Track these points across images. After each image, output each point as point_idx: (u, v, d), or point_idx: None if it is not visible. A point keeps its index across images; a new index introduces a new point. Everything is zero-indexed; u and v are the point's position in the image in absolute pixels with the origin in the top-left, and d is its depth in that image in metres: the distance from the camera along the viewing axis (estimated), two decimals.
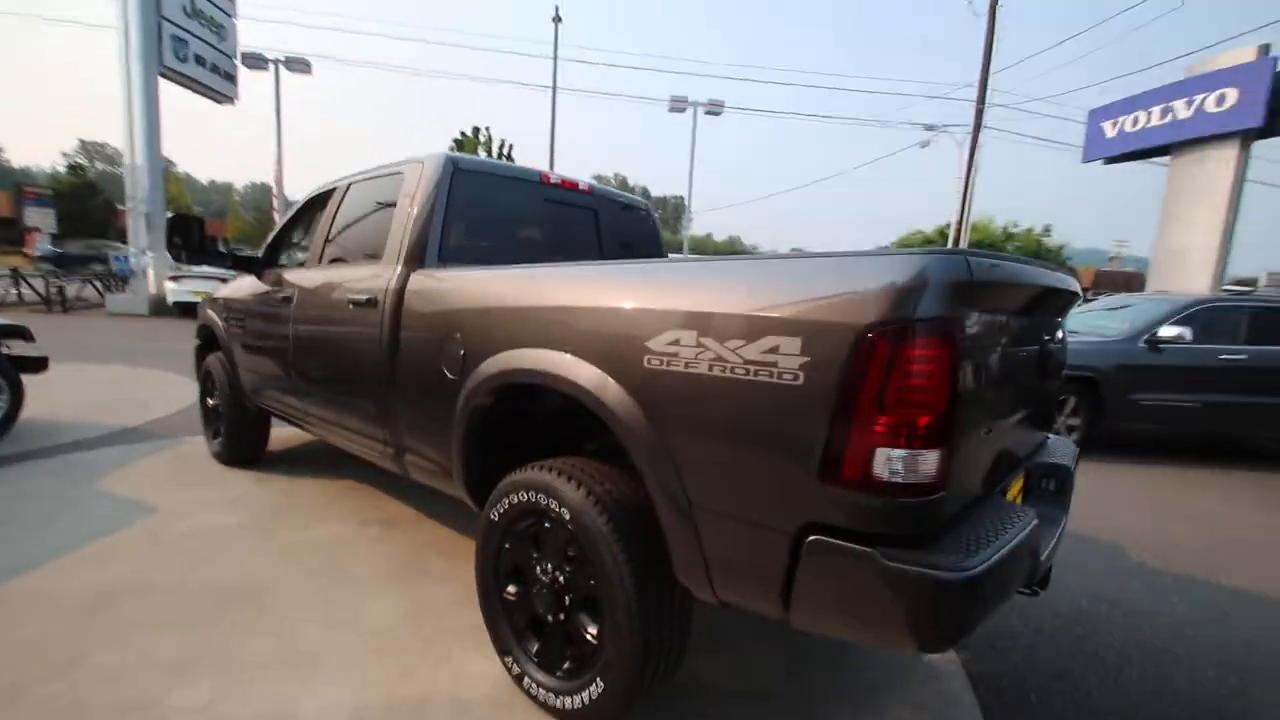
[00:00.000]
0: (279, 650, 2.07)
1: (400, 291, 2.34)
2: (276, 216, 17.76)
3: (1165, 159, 15.22)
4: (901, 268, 1.18)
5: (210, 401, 4.05)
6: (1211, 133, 13.61)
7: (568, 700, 1.73)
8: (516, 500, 1.84)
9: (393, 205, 2.60)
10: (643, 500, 1.68)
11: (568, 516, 1.68)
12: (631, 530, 1.60)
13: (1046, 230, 34.99)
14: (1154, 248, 15.40)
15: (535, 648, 1.88)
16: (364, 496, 3.55)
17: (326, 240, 3.00)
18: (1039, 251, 33.59)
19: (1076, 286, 1.83)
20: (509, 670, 1.92)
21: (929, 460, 1.17)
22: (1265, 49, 12.67)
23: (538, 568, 1.84)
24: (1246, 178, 13.47)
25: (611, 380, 1.55)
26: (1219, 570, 3.27)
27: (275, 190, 17.28)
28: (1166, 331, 5.36)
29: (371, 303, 2.43)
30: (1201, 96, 13.82)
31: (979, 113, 19.04)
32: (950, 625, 1.18)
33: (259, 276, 3.49)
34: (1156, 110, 14.98)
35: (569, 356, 1.66)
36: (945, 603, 1.17)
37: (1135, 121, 15.77)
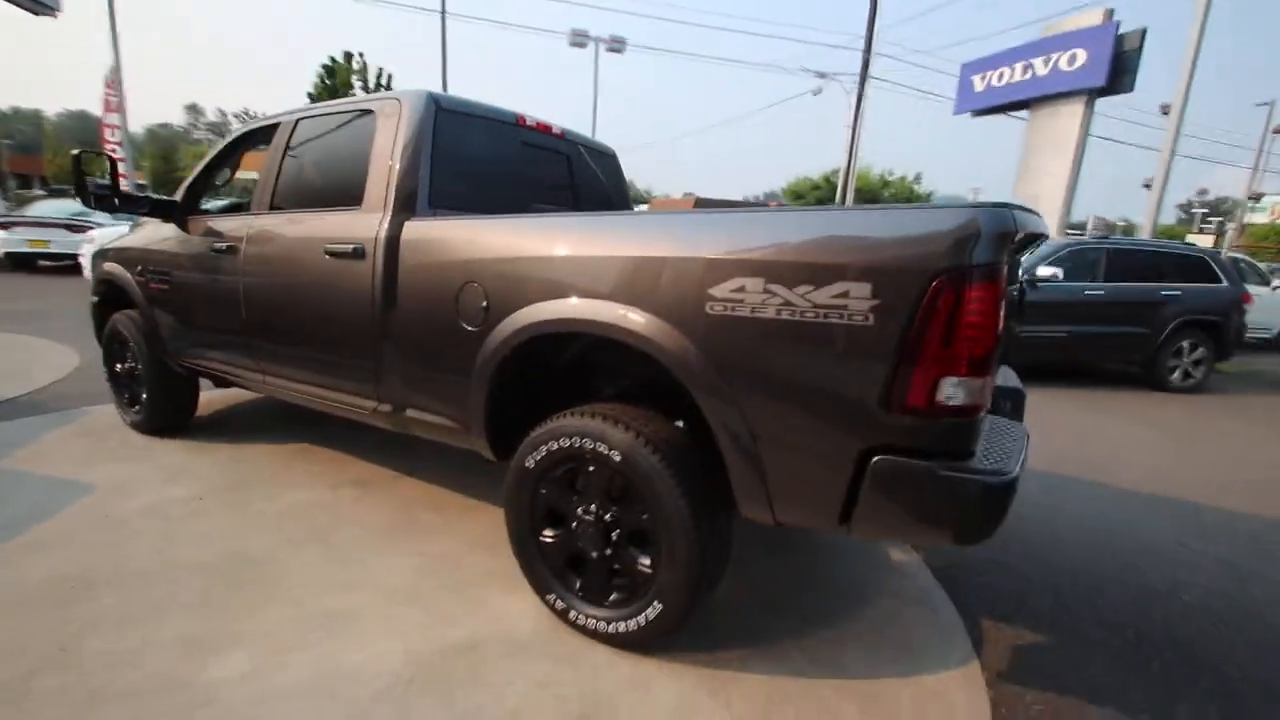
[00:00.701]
0: (301, 616, 2.02)
1: (394, 240, 2.22)
2: (113, 150, 15.34)
3: (1025, 112, 16.80)
4: (959, 220, 1.34)
5: (120, 366, 3.63)
6: (1064, 90, 15.15)
7: (622, 625, 1.86)
8: (556, 447, 1.89)
9: (362, 146, 2.42)
10: (683, 437, 1.80)
11: (618, 458, 1.76)
12: (681, 465, 1.72)
13: (917, 178, 37.68)
14: (1012, 195, 17.16)
15: (579, 583, 1.97)
16: (322, 459, 3.39)
17: (275, 184, 2.74)
18: (911, 198, 36.25)
19: (1048, 229, 2.10)
20: (552, 607, 2.01)
21: (979, 386, 1.37)
22: (1110, 13, 14.14)
23: (579, 509, 1.92)
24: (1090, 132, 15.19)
25: (671, 327, 1.62)
26: (1096, 471, 3.94)
27: (117, 121, 14.80)
28: (1043, 271, 6.13)
29: (358, 253, 2.29)
30: (1056, 55, 15.28)
31: (865, 63, 19.92)
32: (992, 520, 1.42)
33: (180, 224, 3.13)
34: (1019, 67, 16.38)
35: (620, 305, 1.70)
36: (991, 502, 1.40)
37: (1001, 77, 17.18)
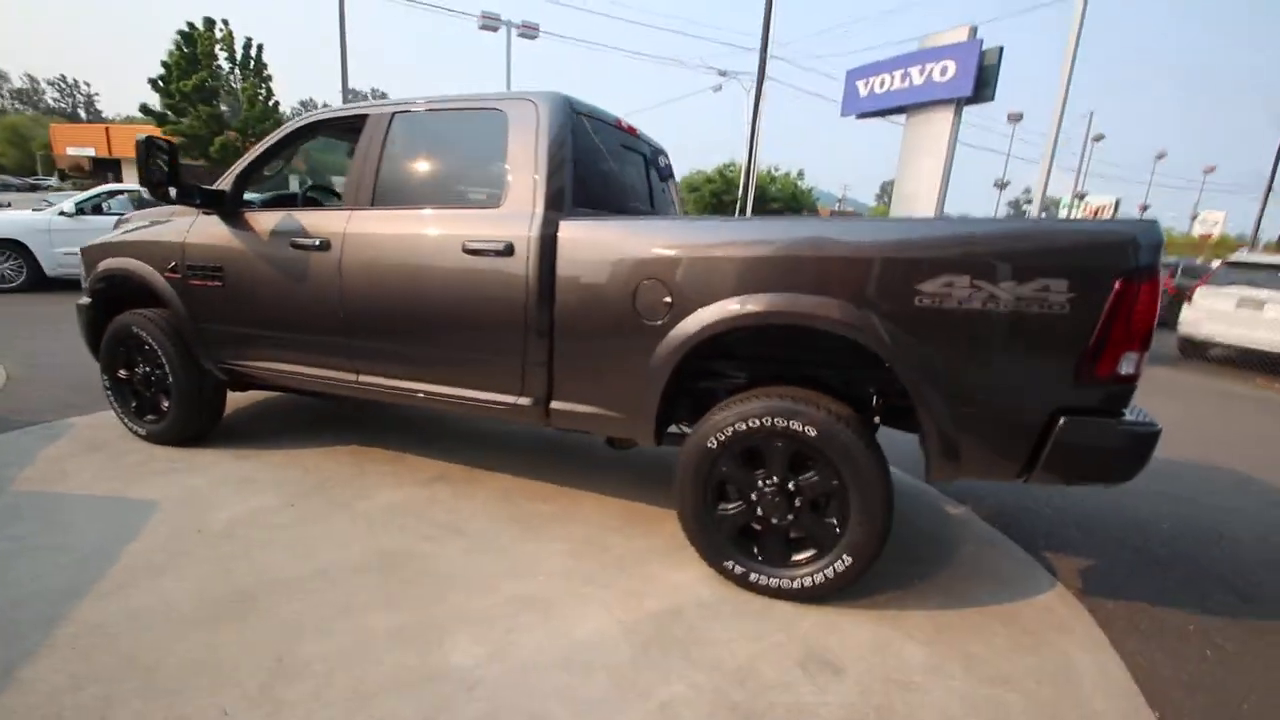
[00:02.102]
0: (498, 603, 2.09)
1: (550, 239, 2.30)
2: None
3: (903, 117, 18.62)
4: (1131, 233, 1.74)
5: (127, 372, 3.29)
6: (936, 98, 16.98)
7: (807, 580, 2.12)
8: (744, 427, 2.11)
9: (493, 145, 2.45)
10: (857, 414, 2.10)
11: (813, 433, 2.02)
12: (868, 436, 2.02)
13: (800, 175, 40.26)
14: (895, 192, 19.01)
15: (756, 548, 2.21)
16: (385, 459, 3.31)
17: (376, 179, 2.66)
18: (795, 192, 38.73)
19: None
20: (729, 573, 2.23)
21: (1143, 358, 1.78)
22: (974, 31, 15.98)
23: (759, 481, 2.15)
24: (959, 137, 17.16)
25: (881, 319, 1.90)
26: None
27: None
28: None
29: (507, 250, 2.34)
30: (930, 66, 17.05)
31: (762, 64, 21.03)
32: (1145, 462, 1.84)
33: (230, 217, 2.92)
34: (898, 75, 18.05)
35: (829, 299, 1.95)
36: (1148, 449, 1.82)
37: (883, 83, 18.84)
